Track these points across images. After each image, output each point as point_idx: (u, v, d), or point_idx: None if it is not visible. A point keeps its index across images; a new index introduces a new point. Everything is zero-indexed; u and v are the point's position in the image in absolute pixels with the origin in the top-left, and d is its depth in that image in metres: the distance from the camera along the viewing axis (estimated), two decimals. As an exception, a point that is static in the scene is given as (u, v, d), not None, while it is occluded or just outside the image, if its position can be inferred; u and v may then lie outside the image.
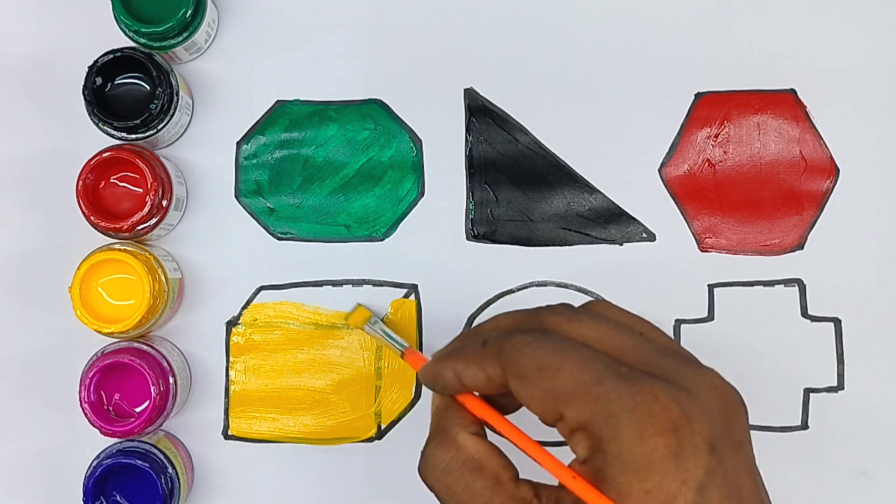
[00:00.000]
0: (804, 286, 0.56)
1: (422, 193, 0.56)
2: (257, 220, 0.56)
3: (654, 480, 0.34)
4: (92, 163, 0.51)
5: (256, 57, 0.56)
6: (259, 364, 0.55)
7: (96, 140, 0.53)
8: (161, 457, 0.51)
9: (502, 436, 0.40)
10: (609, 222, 0.56)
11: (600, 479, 0.35)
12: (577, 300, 0.55)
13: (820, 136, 0.56)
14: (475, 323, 0.55)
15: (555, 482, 0.37)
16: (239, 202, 0.56)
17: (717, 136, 0.56)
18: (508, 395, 0.39)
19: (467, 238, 0.56)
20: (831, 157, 0.56)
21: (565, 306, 0.41)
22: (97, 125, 0.52)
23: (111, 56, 0.51)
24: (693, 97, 0.56)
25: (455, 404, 0.41)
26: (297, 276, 0.56)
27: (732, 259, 0.56)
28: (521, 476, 0.39)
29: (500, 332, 0.40)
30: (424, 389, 0.55)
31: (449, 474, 0.39)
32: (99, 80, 0.52)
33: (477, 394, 0.41)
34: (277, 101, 0.56)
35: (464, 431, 0.40)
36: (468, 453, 0.39)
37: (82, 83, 0.51)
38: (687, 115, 0.56)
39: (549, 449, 0.38)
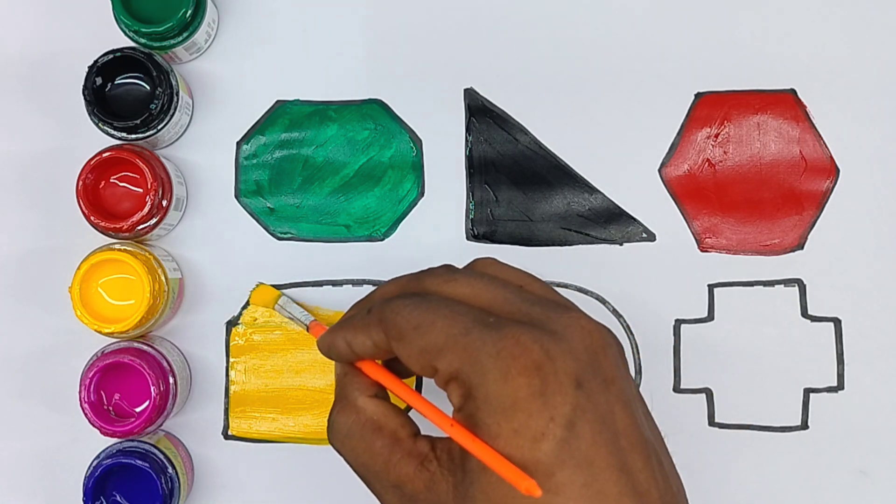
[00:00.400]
0: (804, 286, 0.56)
1: (422, 193, 0.56)
2: (257, 220, 0.56)
3: (521, 419, 0.35)
4: (92, 163, 0.51)
5: (256, 57, 0.56)
6: (259, 364, 0.55)
7: (96, 140, 0.53)
8: (161, 457, 0.51)
9: (394, 394, 0.41)
10: (609, 222, 0.56)
11: (473, 423, 0.36)
12: (577, 300, 0.55)
13: (820, 136, 0.56)
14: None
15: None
16: (239, 202, 0.56)
17: (717, 136, 0.56)
18: (399, 360, 0.41)
19: (467, 238, 0.56)
20: (831, 157, 0.56)
21: (445, 268, 0.42)
22: (97, 125, 0.52)
23: (111, 56, 0.51)
24: (693, 97, 0.56)
25: (353, 370, 0.42)
26: (297, 276, 0.56)
27: (732, 259, 0.56)
28: (422, 433, 0.41)
29: (383, 299, 0.41)
30: (424, 389, 0.55)
31: (351, 437, 0.41)
32: (99, 80, 0.52)
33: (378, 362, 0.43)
34: (277, 101, 0.56)
35: (363, 395, 0.41)
36: (367, 415, 0.41)
37: (82, 83, 0.51)
38: (687, 115, 0.56)
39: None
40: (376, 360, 0.42)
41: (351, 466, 0.41)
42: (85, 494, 0.50)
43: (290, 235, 0.56)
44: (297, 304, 0.54)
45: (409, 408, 0.46)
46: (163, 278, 0.52)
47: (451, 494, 0.38)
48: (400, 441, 0.40)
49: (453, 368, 0.37)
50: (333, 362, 0.43)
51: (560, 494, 0.35)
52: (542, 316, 0.38)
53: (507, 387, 0.36)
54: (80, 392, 0.51)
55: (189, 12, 0.52)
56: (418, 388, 0.55)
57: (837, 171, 0.56)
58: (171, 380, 0.52)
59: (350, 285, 0.56)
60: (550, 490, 0.35)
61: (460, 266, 0.43)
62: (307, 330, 0.51)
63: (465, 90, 0.56)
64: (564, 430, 0.35)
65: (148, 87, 0.53)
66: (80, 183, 0.51)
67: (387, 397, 0.42)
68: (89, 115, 0.52)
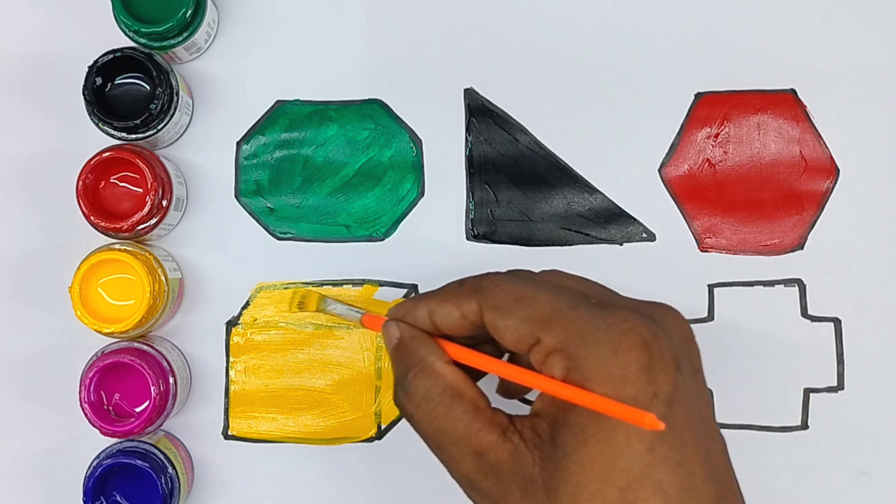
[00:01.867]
0: (804, 286, 0.56)
1: (422, 193, 0.56)
2: (257, 220, 0.56)
3: (629, 392, 0.36)
4: (92, 163, 0.51)
5: (256, 57, 0.56)
6: (259, 364, 0.55)
7: (96, 140, 0.53)
8: (161, 457, 0.51)
9: (479, 369, 0.42)
10: (609, 222, 0.56)
11: None
12: (577, 300, 0.55)
13: (820, 136, 0.56)
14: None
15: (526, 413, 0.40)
16: (239, 202, 0.56)
17: (717, 136, 0.56)
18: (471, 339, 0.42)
19: (467, 238, 0.56)
20: (831, 157, 0.56)
21: (523, 270, 0.44)
22: (97, 125, 0.52)
23: (111, 56, 0.51)
24: (693, 97, 0.56)
25: (424, 335, 0.43)
26: (297, 276, 0.56)
27: (732, 259, 0.56)
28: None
29: (474, 276, 0.42)
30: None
31: (429, 401, 0.41)
32: (99, 80, 0.52)
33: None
34: (277, 101, 0.56)
35: (440, 360, 0.42)
36: (448, 380, 0.41)
37: (82, 83, 0.51)
38: (687, 115, 0.56)
39: None
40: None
41: (422, 430, 0.41)
42: (85, 494, 0.50)
43: (290, 235, 0.56)
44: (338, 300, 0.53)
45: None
46: (163, 278, 0.52)
47: (537, 467, 0.38)
48: (480, 409, 0.40)
49: (558, 340, 0.38)
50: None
51: (657, 469, 0.36)
52: (638, 304, 0.40)
53: (617, 359, 0.37)
54: (80, 392, 0.51)
55: (189, 12, 0.52)
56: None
57: (837, 171, 0.56)
58: (171, 380, 0.52)
59: (350, 285, 0.56)
60: (649, 464, 0.36)
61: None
62: (361, 323, 0.50)
63: (465, 90, 0.56)
64: (665, 407, 0.36)
65: (148, 87, 0.53)
66: (80, 183, 0.51)
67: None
68: (89, 115, 0.52)
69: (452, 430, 0.40)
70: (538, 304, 0.39)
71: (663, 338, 0.38)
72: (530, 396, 0.49)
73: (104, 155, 0.51)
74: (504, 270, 0.44)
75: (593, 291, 0.41)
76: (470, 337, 0.43)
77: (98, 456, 0.52)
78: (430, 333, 0.43)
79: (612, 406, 0.36)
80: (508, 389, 0.47)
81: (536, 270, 0.45)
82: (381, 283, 0.56)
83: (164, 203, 0.53)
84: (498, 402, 0.44)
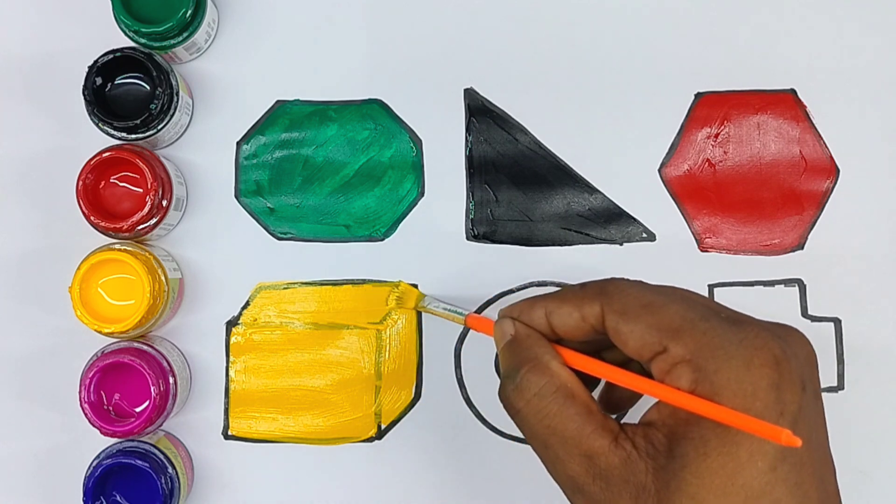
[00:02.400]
0: (804, 286, 0.56)
1: (422, 193, 0.56)
2: (257, 220, 0.56)
3: (758, 408, 0.36)
4: (92, 163, 0.51)
5: (256, 57, 0.56)
6: (259, 364, 0.55)
7: (96, 140, 0.53)
8: (161, 457, 0.51)
9: (593, 375, 0.41)
10: (609, 222, 0.56)
11: None
12: (577, 300, 0.55)
13: (820, 136, 0.56)
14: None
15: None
16: (239, 202, 0.56)
17: (717, 136, 0.56)
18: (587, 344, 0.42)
19: (467, 238, 0.56)
20: (831, 157, 0.56)
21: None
22: (97, 125, 0.52)
23: (111, 56, 0.51)
24: (693, 97, 0.56)
25: (538, 334, 0.42)
26: (298, 276, 0.56)
27: (732, 259, 0.56)
28: None
29: (597, 280, 0.42)
30: (425, 389, 0.55)
31: (542, 398, 0.40)
32: (99, 80, 0.52)
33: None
34: (277, 101, 0.56)
35: (555, 360, 0.41)
36: (562, 380, 0.41)
37: (82, 83, 0.51)
38: (687, 115, 0.56)
39: None
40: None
41: (529, 427, 0.41)
42: (85, 494, 0.50)
43: (290, 235, 0.56)
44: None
45: None
46: (163, 278, 0.52)
47: (650, 476, 0.38)
48: (593, 413, 0.40)
49: (688, 351, 0.38)
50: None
51: (776, 488, 0.36)
52: (766, 322, 0.39)
53: (748, 374, 0.37)
54: (80, 392, 0.51)
55: (189, 12, 0.52)
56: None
57: (837, 171, 0.56)
58: (171, 380, 0.52)
59: (350, 285, 0.56)
60: (769, 482, 0.36)
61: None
62: (464, 322, 0.50)
63: (465, 90, 0.56)
64: (791, 426, 0.37)
65: (148, 87, 0.53)
66: (80, 183, 0.51)
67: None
68: (89, 115, 0.52)
69: (563, 429, 0.40)
70: (668, 312, 0.39)
71: (792, 357, 0.38)
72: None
73: (104, 155, 0.51)
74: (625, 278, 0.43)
75: (719, 306, 0.40)
76: (584, 342, 0.43)
77: (98, 456, 0.52)
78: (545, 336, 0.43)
79: (746, 421, 0.36)
80: (613, 401, 0.46)
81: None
82: (382, 283, 0.56)
83: (164, 203, 0.53)
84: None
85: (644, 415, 0.40)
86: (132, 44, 0.53)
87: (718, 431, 0.37)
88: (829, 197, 0.56)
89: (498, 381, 0.56)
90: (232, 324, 0.56)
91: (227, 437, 0.55)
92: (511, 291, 0.55)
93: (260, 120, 0.56)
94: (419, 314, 0.55)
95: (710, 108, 0.56)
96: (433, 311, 0.51)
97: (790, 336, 0.39)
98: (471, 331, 0.55)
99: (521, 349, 0.42)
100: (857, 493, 0.55)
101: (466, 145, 0.56)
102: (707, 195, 0.56)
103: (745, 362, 0.37)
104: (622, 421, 0.41)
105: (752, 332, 0.38)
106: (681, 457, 0.37)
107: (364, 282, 0.56)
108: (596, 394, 0.46)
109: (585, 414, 0.40)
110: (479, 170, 0.56)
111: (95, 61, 0.51)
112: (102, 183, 0.53)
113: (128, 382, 0.52)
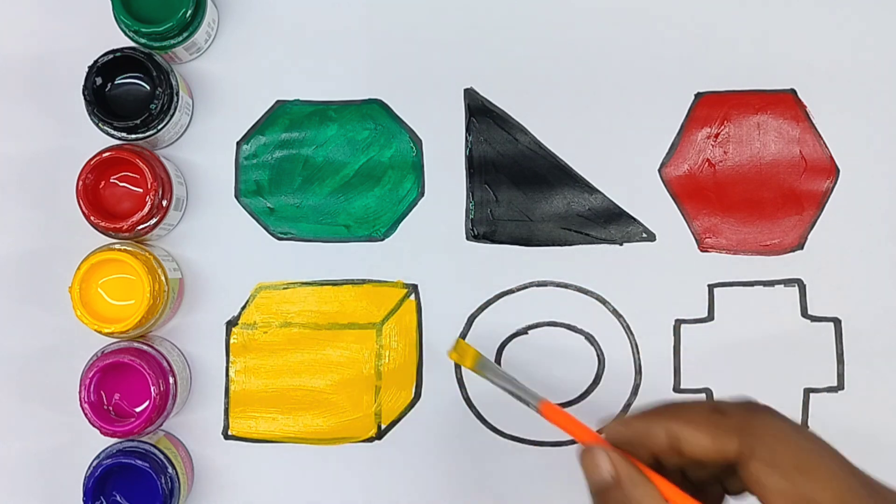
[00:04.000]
0: (804, 286, 0.56)
1: (422, 193, 0.56)
2: (257, 220, 0.56)
3: None
4: (92, 163, 0.51)
5: (256, 57, 0.56)
6: (259, 364, 0.55)
7: (96, 140, 0.53)
8: (161, 457, 0.51)
9: None
10: (609, 222, 0.56)
11: None
12: (578, 300, 0.55)
13: (820, 136, 0.56)
14: (475, 322, 0.55)
15: None
16: (239, 202, 0.56)
17: (717, 136, 0.56)
18: (703, 471, 0.37)
19: (467, 238, 0.56)
20: (831, 157, 0.56)
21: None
22: (97, 125, 0.52)
23: (111, 56, 0.51)
24: (693, 97, 0.56)
25: (643, 479, 0.36)
26: (298, 276, 0.56)
27: (732, 259, 0.56)
28: None
29: (741, 401, 0.37)
30: (425, 389, 0.55)
31: None
32: (99, 80, 0.52)
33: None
34: (277, 101, 0.56)
35: None
36: None
37: (82, 83, 0.51)
38: (687, 115, 0.56)
39: None
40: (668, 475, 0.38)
41: None
42: (85, 494, 0.50)
43: (290, 235, 0.56)
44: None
45: None
46: (163, 278, 0.52)
47: None
48: None
49: None
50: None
51: None
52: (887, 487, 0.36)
53: None
54: (80, 392, 0.51)
55: (189, 12, 0.52)
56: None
57: (837, 171, 0.56)
58: (171, 380, 0.52)
59: (350, 285, 0.56)
60: None
61: None
62: (537, 410, 0.43)
63: (465, 90, 0.56)
64: None
65: (148, 87, 0.53)
66: (80, 183, 0.51)
67: None
68: (89, 115, 0.52)
69: None
70: (820, 482, 0.35)
71: None
72: None
73: (104, 155, 0.51)
74: (771, 409, 0.38)
75: (871, 481, 0.37)
76: (699, 465, 0.37)
77: (98, 456, 0.52)
78: (648, 463, 0.38)
79: None
80: None
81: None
82: (382, 283, 0.56)
83: (164, 203, 0.53)
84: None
85: None
86: (132, 44, 0.53)
87: None
88: (829, 197, 0.56)
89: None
90: (232, 324, 0.56)
91: (227, 437, 0.55)
92: (511, 291, 0.55)
93: (260, 120, 0.56)
94: (419, 314, 0.55)
95: (710, 108, 0.56)
96: (493, 380, 0.45)
97: None
98: (471, 330, 0.55)
99: (623, 501, 0.36)
100: (857, 493, 0.55)
101: (466, 145, 0.56)
102: (707, 195, 0.56)
103: None
104: None
105: None
106: None
107: (364, 282, 0.56)
108: None
109: None
110: (479, 170, 0.56)
111: (95, 61, 0.51)
112: (102, 183, 0.53)
113: (128, 382, 0.52)
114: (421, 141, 0.56)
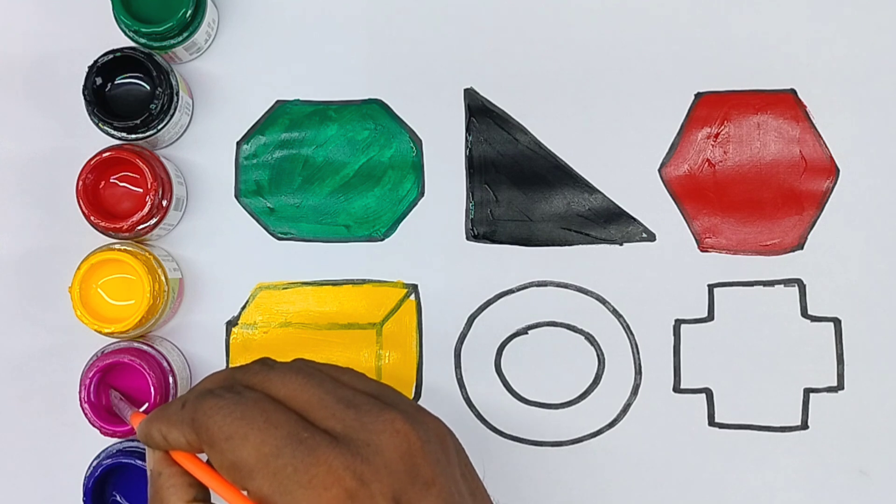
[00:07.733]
0: (804, 286, 0.56)
1: (422, 193, 0.56)
2: (257, 220, 0.56)
3: None
4: (92, 163, 0.51)
5: (256, 57, 0.56)
6: (259, 364, 0.55)
7: (96, 140, 0.53)
8: (161, 457, 0.51)
9: (215, 493, 0.38)
10: (609, 222, 0.56)
11: None
12: (578, 300, 0.55)
13: (820, 136, 0.56)
14: (475, 322, 0.55)
15: None
16: (239, 202, 0.56)
17: (717, 136, 0.56)
18: None
19: (467, 238, 0.56)
20: (831, 157, 0.56)
21: (261, 363, 0.40)
22: (97, 125, 0.52)
23: (111, 56, 0.51)
24: (693, 97, 0.56)
25: (170, 469, 0.39)
26: (297, 276, 0.56)
27: (732, 259, 0.56)
28: None
29: (198, 393, 0.38)
30: (425, 389, 0.55)
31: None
32: (99, 80, 0.52)
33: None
34: (277, 101, 0.56)
35: (180, 501, 0.38)
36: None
37: (82, 83, 0.51)
38: (687, 115, 0.56)
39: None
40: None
41: None
42: (85, 494, 0.50)
43: (290, 235, 0.56)
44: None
45: None
46: (163, 278, 0.52)
47: None
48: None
49: (263, 493, 0.35)
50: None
51: None
52: (356, 423, 0.36)
53: None
54: (80, 392, 0.51)
55: (189, 12, 0.52)
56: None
57: (837, 171, 0.56)
58: (171, 380, 0.52)
59: (350, 285, 0.56)
60: None
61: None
62: (127, 421, 0.48)
63: (465, 90, 0.56)
64: None
65: (148, 87, 0.53)
66: (80, 183, 0.51)
67: (208, 499, 0.39)
68: (89, 115, 0.52)
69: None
70: (245, 447, 0.36)
71: (373, 478, 0.35)
72: None
73: (104, 155, 0.51)
74: (251, 363, 0.40)
75: (315, 401, 0.38)
76: None
77: (98, 456, 0.52)
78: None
79: None
80: None
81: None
82: (381, 283, 0.56)
83: (164, 203, 0.53)
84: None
85: None
86: (132, 44, 0.53)
87: None
88: (829, 197, 0.56)
89: (499, 380, 0.56)
90: (232, 324, 0.56)
91: (226, 437, 0.55)
92: (511, 291, 0.55)
93: (260, 120, 0.56)
94: (419, 314, 0.55)
95: (710, 108, 0.56)
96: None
97: (381, 436, 0.36)
98: (471, 330, 0.55)
99: (150, 488, 0.39)
100: (857, 493, 0.55)
101: (466, 145, 0.56)
102: (707, 195, 0.56)
103: None
104: None
105: (324, 467, 0.35)
106: None
107: (364, 282, 0.56)
108: None
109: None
110: (479, 170, 0.56)
111: (95, 61, 0.51)
112: (102, 183, 0.53)
113: (128, 382, 0.52)
114: (421, 141, 0.56)
